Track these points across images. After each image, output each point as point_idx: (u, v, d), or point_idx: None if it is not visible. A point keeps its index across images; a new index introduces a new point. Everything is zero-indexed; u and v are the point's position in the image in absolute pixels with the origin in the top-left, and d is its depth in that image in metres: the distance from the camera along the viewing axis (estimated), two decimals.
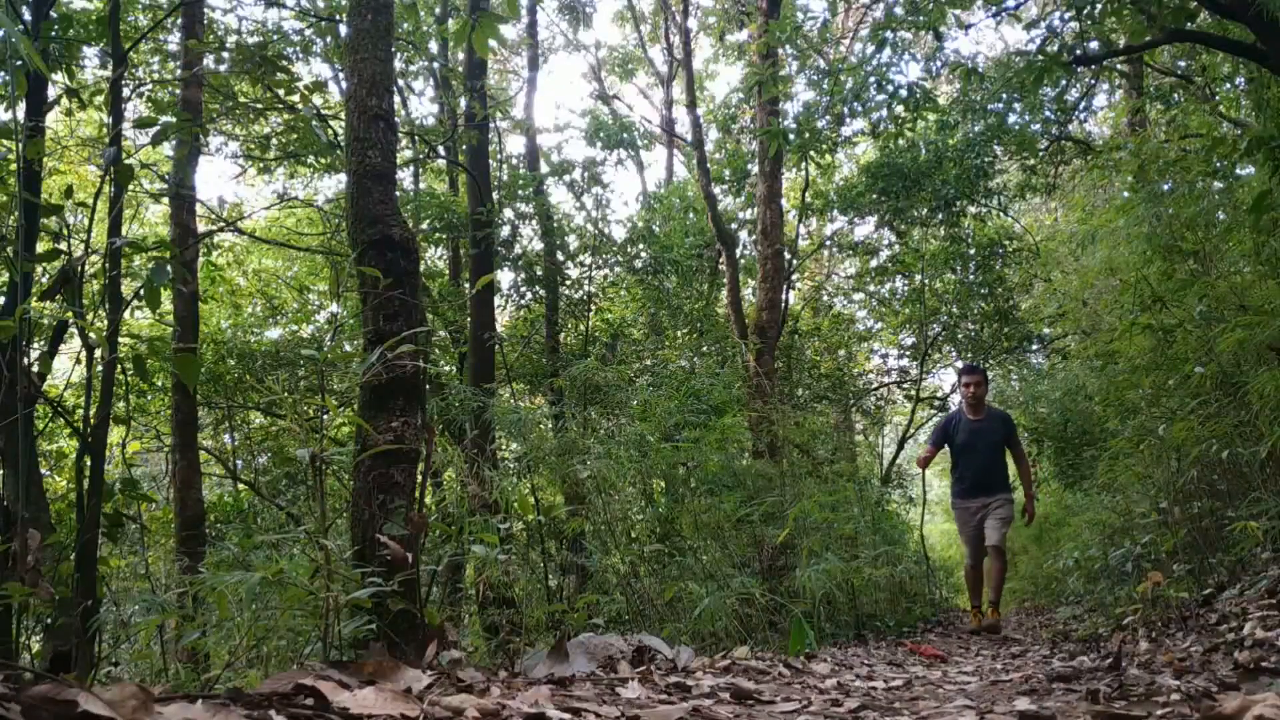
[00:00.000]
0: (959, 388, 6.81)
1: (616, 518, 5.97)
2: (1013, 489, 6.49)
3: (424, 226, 11.34)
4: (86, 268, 3.08)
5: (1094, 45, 6.84)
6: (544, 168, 12.64)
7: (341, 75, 9.79)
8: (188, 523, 7.01)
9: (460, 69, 10.90)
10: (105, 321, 3.11)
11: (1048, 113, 9.59)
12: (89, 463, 2.98)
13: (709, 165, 12.49)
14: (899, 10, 7.42)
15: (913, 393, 14.42)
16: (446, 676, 1.80)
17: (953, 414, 6.77)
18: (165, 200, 9.28)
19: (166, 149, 9.10)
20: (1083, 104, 11.15)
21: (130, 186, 5.65)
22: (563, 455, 5.93)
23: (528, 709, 1.46)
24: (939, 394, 15.74)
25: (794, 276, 14.16)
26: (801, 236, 14.95)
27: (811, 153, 9.57)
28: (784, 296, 11.45)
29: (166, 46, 8.63)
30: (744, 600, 4.76)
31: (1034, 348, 13.41)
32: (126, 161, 3.46)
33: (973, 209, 12.32)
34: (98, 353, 2.94)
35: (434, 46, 11.52)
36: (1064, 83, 8.34)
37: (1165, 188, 6.81)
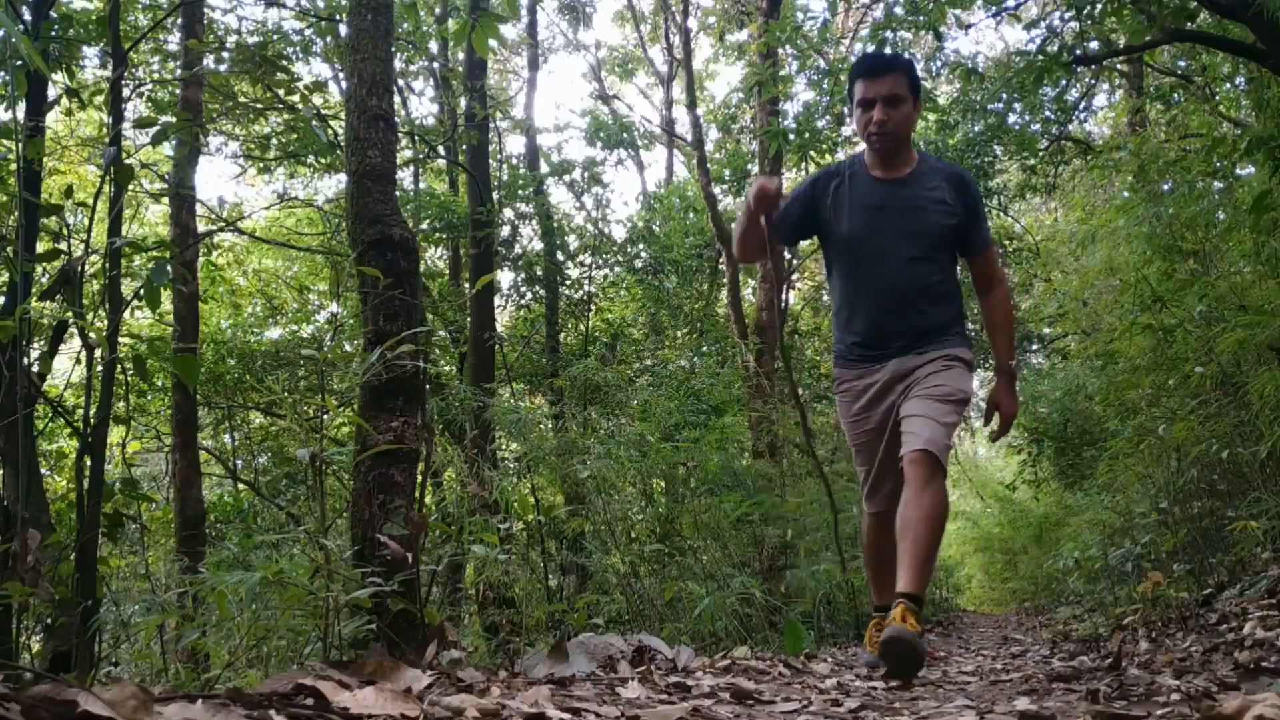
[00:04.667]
0: (850, 111, 3.17)
1: (616, 518, 5.97)
2: (967, 341, 3.09)
3: (424, 226, 11.34)
4: (86, 268, 3.09)
5: (1094, 45, 6.84)
6: (544, 168, 12.64)
7: (341, 75, 9.79)
8: (188, 523, 7.01)
9: (460, 69, 10.90)
10: (105, 321, 3.11)
11: (1048, 113, 9.59)
12: (89, 463, 2.98)
13: (709, 165, 12.49)
14: (899, 10, 7.42)
15: None
16: (446, 676, 1.80)
17: (837, 166, 3.15)
18: (165, 200, 9.28)
19: (166, 149, 9.10)
20: (1083, 104, 11.15)
21: (130, 186, 5.64)
22: (563, 455, 5.93)
23: (528, 709, 1.46)
24: None
25: (794, 276, 14.16)
26: None
27: (811, 153, 9.57)
28: (784, 296, 11.45)
29: (166, 46, 8.63)
30: (744, 600, 4.76)
31: (1034, 348, 13.42)
32: (126, 161, 3.46)
33: None
34: (98, 353, 2.94)
35: (434, 46, 11.52)
36: (1064, 83, 8.34)
37: (1165, 188, 6.81)
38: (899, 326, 3.01)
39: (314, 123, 8.14)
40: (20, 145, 2.92)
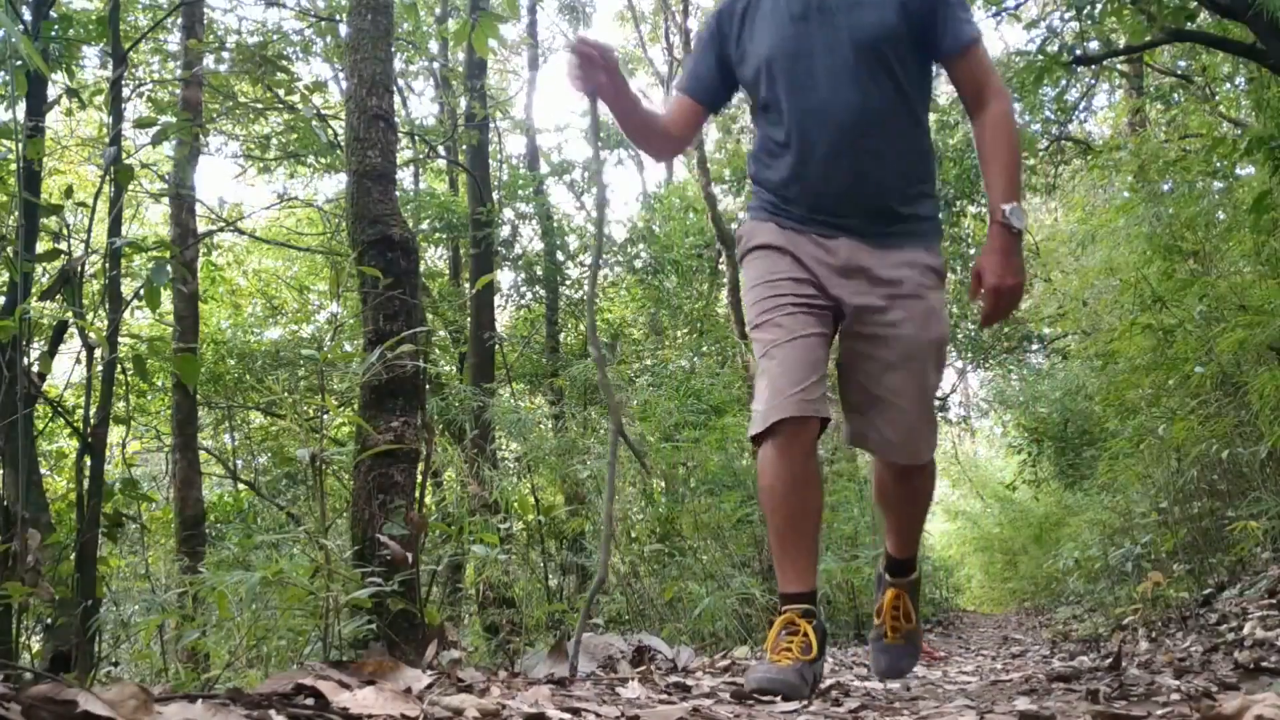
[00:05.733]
0: None
1: (616, 518, 5.97)
2: (939, 224, 2.26)
3: (424, 226, 11.34)
4: (86, 268, 3.09)
5: (1094, 45, 6.84)
6: (544, 168, 12.64)
7: (341, 75, 9.79)
8: (188, 523, 7.01)
9: (460, 69, 10.91)
10: (105, 321, 3.11)
11: (1048, 113, 9.59)
12: (89, 463, 2.98)
13: (709, 165, 12.49)
14: None
15: None
16: (446, 676, 1.80)
17: None
18: (165, 200, 9.28)
19: (166, 149, 9.10)
20: (1083, 104, 11.15)
21: (130, 186, 5.64)
22: (563, 455, 5.93)
23: (528, 709, 1.46)
24: (938, 394, 15.77)
25: None
26: None
27: None
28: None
29: (166, 46, 8.64)
30: (744, 600, 4.76)
31: (1034, 348, 13.42)
32: (126, 161, 3.46)
33: (973, 209, 12.32)
34: (98, 353, 2.94)
35: (434, 46, 11.53)
36: (1064, 83, 8.34)
37: (1165, 188, 6.81)
38: (847, 185, 2.11)
39: (314, 123, 8.14)
40: (20, 145, 2.92)
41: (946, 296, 2.51)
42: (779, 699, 1.89)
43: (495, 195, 11.01)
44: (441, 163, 12.48)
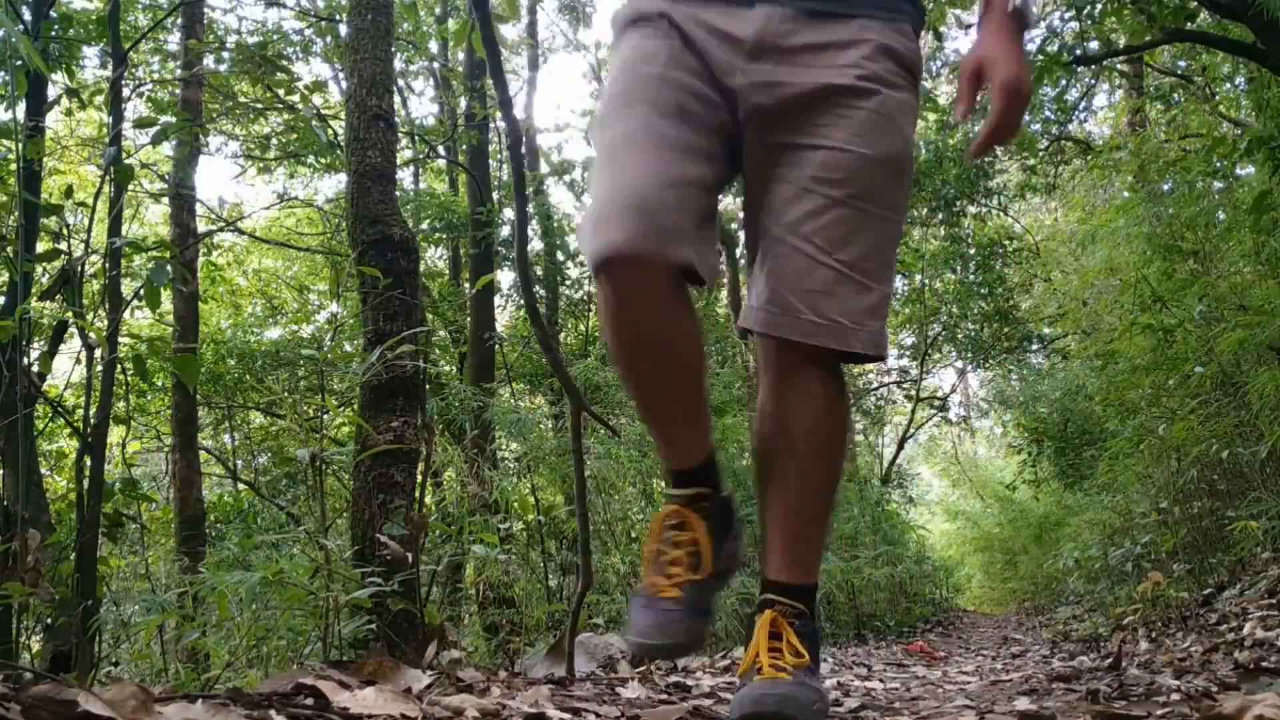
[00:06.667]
0: None
1: (616, 518, 5.97)
2: None
3: (424, 226, 11.34)
4: (86, 268, 3.09)
5: (1094, 45, 6.85)
6: (544, 168, 12.63)
7: (341, 75, 9.79)
8: (188, 523, 7.01)
9: (460, 69, 10.91)
10: (105, 321, 3.11)
11: (1048, 113, 9.59)
12: (89, 463, 2.98)
13: None
14: None
15: (912, 393, 14.44)
16: (446, 676, 1.80)
17: None
18: (165, 200, 9.28)
19: (166, 149, 9.10)
20: (1083, 104, 11.15)
21: (130, 186, 5.64)
22: (563, 455, 5.93)
23: (528, 709, 1.46)
24: (939, 393, 15.76)
25: None
26: None
27: None
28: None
29: (166, 46, 8.64)
30: (744, 600, 4.76)
31: (1034, 348, 13.42)
32: (126, 161, 3.46)
33: (973, 209, 12.32)
34: (98, 353, 2.94)
35: (434, 46, 11.52)
36: (1064, 83, 8.34)
37: (1165, 188, 6.81)
38: None
39: (314, 123, 8.14)
40: (20, 145, 2.92)
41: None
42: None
43: (495, 195, 11.00)
44: (441, 163, 12.48)
